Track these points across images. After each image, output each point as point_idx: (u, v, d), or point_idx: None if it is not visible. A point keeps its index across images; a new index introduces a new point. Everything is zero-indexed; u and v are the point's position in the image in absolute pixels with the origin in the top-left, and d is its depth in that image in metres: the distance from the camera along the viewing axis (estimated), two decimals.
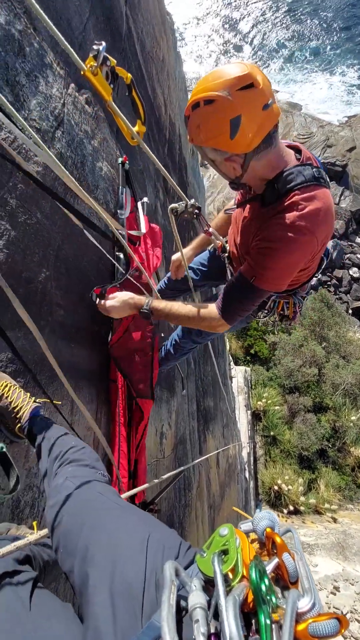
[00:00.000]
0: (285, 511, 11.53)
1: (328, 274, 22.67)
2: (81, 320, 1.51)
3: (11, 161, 1.05)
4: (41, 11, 0.82)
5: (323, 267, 1.41)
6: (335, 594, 7.99)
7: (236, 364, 14.10)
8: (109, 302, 1.39)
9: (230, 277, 1.58)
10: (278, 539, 0.48)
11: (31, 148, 1.04)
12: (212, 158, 1.08)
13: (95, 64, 0.88)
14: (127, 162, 1.95)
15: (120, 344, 1.65)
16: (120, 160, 1.95)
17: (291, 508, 11.53)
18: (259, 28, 37.27)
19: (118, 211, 1.88)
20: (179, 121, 4.52)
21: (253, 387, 14.03)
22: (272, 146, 1.03)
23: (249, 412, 11.92)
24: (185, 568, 0.53)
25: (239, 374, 11.88)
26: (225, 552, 0.43)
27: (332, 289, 21.98)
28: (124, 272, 1.65)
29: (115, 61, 0.98)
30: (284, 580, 0.44)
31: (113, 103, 0.98)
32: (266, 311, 1.51)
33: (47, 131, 1.31)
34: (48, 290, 1.26)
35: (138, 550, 0.56)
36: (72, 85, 1.53)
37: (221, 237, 1.61)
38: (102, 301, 1.40)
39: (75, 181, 1.53)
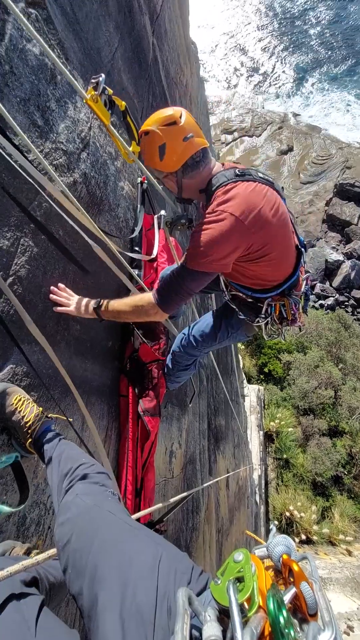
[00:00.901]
0: (297, 540, 11.00)
1: (346, 294, 22.31)
2: (96, 335, 1.52)
3: (37, 182, 1.09)
4: (50, 52, 0.87)
5: (302, 261, 1.45)
6: (349, 634, 7.48)
7: (249, 382, 13.87)
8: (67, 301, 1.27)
9: (222, 286, 1.62)
10: (295, 567, 0.46)
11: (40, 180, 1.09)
12: (157, 177, 1.35)
13: (96, 93, 1.00)
14: (145, 181, 2.00)
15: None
16: (139, 179, 2.01)
17: (303, 537, 10.99)
18: (279, 53, 38.35)
19: (135, 229, 1.92)
20: None
21: (266, 407, 13.71)
22: (201, 167, 1.27)
23: (261, 432, 11.61)
24: (198, 595, 0.52)
25: (251, 393, 11.66)
26: (240, 580, 0.42)
27: (349, 309, 21.56)
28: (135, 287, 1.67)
29: (112, 91, 1.08)
30: (302, 611, 0.42)
31: (111, 127, 1.09)
32: (263, 316, 1.51)
33: (73, 153, 1.37)
34: None
35: (149, 572, 0.55)
36: None
37: None
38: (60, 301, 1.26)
39: (98, 199, 1.58)
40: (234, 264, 1.27)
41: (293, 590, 0.43)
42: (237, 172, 1.24)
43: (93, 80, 1.01)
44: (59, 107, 1.30)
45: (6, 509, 0.87)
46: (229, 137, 29.69)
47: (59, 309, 1.23)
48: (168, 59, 3.16)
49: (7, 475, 0.96)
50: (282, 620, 0.37)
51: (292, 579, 0.46)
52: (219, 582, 0.43)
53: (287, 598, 0.42)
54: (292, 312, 1.49)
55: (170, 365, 2.00)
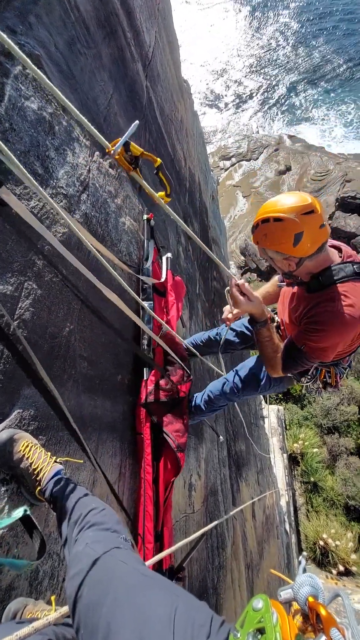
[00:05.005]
0: (334, 572, 10.22)
1: None
2: (104, 370, 1.51)
3: (40, 226, 1.12)
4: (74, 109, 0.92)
5: None
6: None
7: (267, 402, 13.48)
8: (243, 299, 1.47)
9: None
10: (323, 611, 0.42)
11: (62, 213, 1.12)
12: (271, 256, 1.36)
13: (112, 153, 1.03)
14: (152, 218, 2.06)
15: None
16: (145, 217, 2.06)
17: (341, 568, 10.20)
18: (269, 78, 40.03)
19: (144, 262, 1.96)
20: (197, 172, 4.77)
21: (288, 427, 13.23)
22: (322, 251, 1.31)
23: (285, 455, 11.15)
24: None
25: (271, 414, 11.30)
26: (261, 631, 0.38)
27: None
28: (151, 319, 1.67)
29: (141, 150, 1.10)
30: None
31: (135, 174, 1.11)
32: (309, 377, 1.65)
33: (73, 195, 1.42)
34: (72, 343, 1.29)
35: (165, 626, 0.51)
36: (97, 152, 1.67)
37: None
38: (237, 295, 1.47)
39: (100, 237, 1.62)
40: None
41: (323, 638, 0.40)
42: (357, 270, 1.31)
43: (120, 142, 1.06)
44: (58, 154, 1.36)
45: (24, 562, 0.82)
46: (227, 163, 30.64)
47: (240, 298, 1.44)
48: (162, 99, 3.32)
49: (18, 527, 0.92)
50: None
51: (321, 625, 0.41)
52: (239, 635, 0.39)
53: None
54: (336, 380, 1.67)
55: (203, 407, 2.09)
